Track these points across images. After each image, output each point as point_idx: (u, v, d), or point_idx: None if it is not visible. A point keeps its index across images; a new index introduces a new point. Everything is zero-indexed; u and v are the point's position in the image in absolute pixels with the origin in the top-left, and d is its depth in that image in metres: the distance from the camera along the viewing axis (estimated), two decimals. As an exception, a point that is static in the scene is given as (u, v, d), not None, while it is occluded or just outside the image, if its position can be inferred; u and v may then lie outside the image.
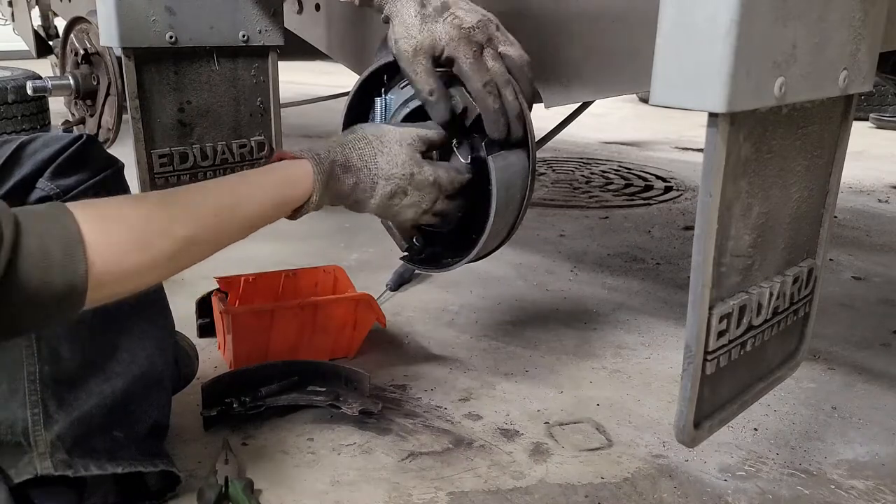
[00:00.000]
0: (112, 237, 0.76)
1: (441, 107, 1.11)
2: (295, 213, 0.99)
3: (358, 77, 1.23)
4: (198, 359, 1.33)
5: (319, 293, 1.65)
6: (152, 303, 1.12)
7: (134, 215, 0.80)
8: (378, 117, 1.22)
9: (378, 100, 1.21)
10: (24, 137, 1.13)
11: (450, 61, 1.10)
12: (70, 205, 0.74)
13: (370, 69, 1.21)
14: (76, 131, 2.89)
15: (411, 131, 1.08)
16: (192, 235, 0.83)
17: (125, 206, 0.83)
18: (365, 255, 2.22)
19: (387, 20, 1.14)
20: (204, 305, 1.62)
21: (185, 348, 1.30)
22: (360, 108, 1.24)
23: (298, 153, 0.99)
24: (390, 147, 1.04)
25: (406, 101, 1.18)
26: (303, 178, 0.97)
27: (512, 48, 1.13)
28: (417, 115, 1.17)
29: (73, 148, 1.13)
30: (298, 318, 1.46)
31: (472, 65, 1.08)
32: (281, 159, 1.00)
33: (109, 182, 1.16)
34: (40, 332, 0.97)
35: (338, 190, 1.01)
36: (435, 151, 1.14)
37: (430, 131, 1.11)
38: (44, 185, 1.09)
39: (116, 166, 1.18)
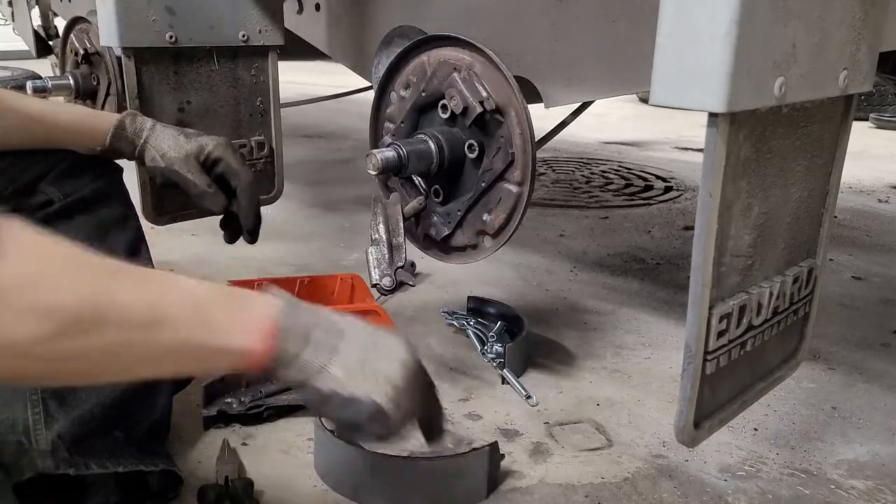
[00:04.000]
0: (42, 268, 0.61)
1: (219, 198, 1.29)
2: (259, 362, 0.73)
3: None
4: None
5: (336, 302, 1.64)
6: None
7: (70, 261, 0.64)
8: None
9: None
10: None
11: (217, 161, 1.28)
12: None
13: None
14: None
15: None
16: (84, 315, 0.63)
17: (56, 247, 0.65)
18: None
19: (140, 157, 1.27)
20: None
21: None
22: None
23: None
24: (388, 345, 0.82)
25: None
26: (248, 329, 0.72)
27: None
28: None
29: (73, 155, 1.17)
30: None
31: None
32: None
33: (106, 187, 1.19)
34: None
35: (299, 314, 0.76)
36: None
37: None
38: (45, 189, 1.10)
39: (115, 173, 1.21)
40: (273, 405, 1.30)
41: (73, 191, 1.14)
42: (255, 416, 1.29)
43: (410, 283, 1.33)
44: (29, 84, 2.67)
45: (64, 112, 1.24)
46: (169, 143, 1.26)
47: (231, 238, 1.36)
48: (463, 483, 1.09)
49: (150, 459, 1.06)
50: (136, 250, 1.21)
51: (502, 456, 1.15)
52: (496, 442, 1.13)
